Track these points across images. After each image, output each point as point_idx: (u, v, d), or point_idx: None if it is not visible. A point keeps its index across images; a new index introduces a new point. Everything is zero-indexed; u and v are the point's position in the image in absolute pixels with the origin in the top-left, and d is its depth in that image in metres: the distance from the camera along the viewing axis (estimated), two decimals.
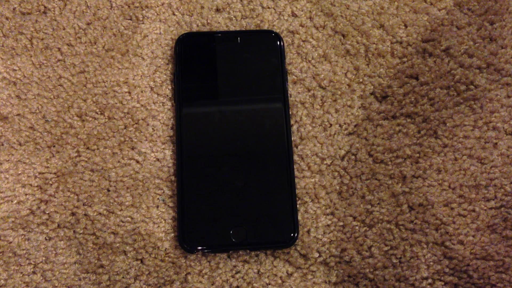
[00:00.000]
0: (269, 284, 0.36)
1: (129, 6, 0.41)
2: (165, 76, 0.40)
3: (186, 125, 0.38)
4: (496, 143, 0.39)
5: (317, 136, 0.39)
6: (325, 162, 0.39)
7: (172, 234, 0.37)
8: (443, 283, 0.36)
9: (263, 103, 0.39)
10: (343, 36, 0.41)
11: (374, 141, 0.39)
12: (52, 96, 0.39)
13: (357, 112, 0.40)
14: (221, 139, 0.38)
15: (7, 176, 0.37)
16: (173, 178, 0.38)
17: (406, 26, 0.41)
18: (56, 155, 0.38)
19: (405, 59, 0.41)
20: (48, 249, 0.36)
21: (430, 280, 0.36)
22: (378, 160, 0.39)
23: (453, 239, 0.37)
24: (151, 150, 0.38)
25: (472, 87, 0.40)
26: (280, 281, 0.36)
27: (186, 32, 0.41)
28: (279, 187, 0.37)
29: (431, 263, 0.37)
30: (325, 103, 0.40)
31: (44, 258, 0.36)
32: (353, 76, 0.40)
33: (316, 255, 0.37)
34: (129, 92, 0.39)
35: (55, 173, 0.38)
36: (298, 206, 0.37)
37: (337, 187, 0.38)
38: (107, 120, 0.39)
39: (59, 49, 0.40)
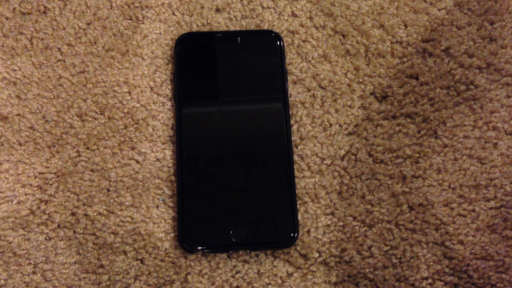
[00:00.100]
0: (269, 284, 0.36)
1: (129, 6, 0.41)
2: (165, 76, 0.40)
3: (186, 125, 0.38)
4: (496, 143, 0.39)
5: (317, 136, 0.39)
6: (325, 162, 0.39)
7: (172, 234, 0.37)
8: (443, 283, 0.36)
9: (263, 103, 0.39)
10: (343, 36, 0.41)
11: (374, 141, 0.39)
12: (52, 96, 0.39)
13: (357, 112, 0.40)
14: (221, 139, 0.38)
15: (7, 176, 0.37)
16: (173, 178, 0.38)
17: (406, 26, 0.41)
18: (56, 155, 0.38)
19: (405, 59, 0.41)
20: (48, 249, 0.36)
21: (430, 280, 0.36)
22: (378, 160, 0.39)
23: (453, 239, 0.37)
24: (151, 150, 0.38)
25: (472, 87, 0.40)
26: (280, 281, 0.36)
27: (186, 32, 0.41)
28: (279, 187, 0.37)
29: (431, 263, 0.37)
30: (325, 103, 0.40)
31: (44, 258, 0.36)
32: (353, 76, 0.40)
33: (316, 255, 0.37)
34: (129, 92, 0.39)
35: (55, 173, 0.38)
36: (298, 206, 0.37)
37: (337, 187, 0.38)
38: (107, 120, 0.39)
39: (59, 49, 0.40)
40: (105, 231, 0.37)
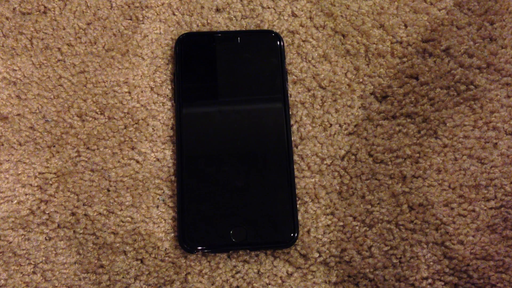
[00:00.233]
0: (269, 284, 0.36)
1: (129, 6, 0.41)
2: (165, 76, 0.40)
3: (186, 125, 0.38)
4: (496, 143, 0.39)
5: (317, 136, 0.39)
6: (325, 162, 0.39)
7: (172, 234, 0.37)
8: (443, 283, 0.36)
9: (263, 103, 0.39)
10: (343, 36, 0.41)
11: (374, 141, 0.39)
12: (52, 96, 0.39)
13: (357, 112, 0.40)
14: (221, 139, 0.38)
15: (7, 176, 0.37)
16: (173, 178, 0.38)
17: (406, 26, 0.41)
18: (56, 155, 0.38)
19: (405, 59, 0.41)
20: (48, 249, 0.36)
21: (430, 280, 0.36)
22: (378, 160, 0.39)
23: (453, 239, 0.37)
24: (151, 150, 0.38)
25: (472, 87, 0.40)
26: (280, 281, 0.36)
27: (186, 32, 0.41)
28: (279, 187, 0.37)
29: (431, 263, 0.37)
30: (325, 103, 0.40)
31: (44, 258, 0.36)
32: (353, 76, 0.40)
33: (316, 255, 0.37)
34: (129, 92, 0.39)
35: (55, 173, 0.38)
36: (298, 206, 0.37)
37: (337, 187, 0.38)
38: (107, 120, 0.39)
39: (59, 49, 0.40)
40: (105, 231, 0.37)
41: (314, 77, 0.40)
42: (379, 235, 0.37)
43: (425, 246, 0.37)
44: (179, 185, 0.37)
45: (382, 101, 0.40)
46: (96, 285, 0.36)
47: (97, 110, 0.39)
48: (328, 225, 0.37)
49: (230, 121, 0.38)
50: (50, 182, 0.37)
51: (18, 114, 0.39)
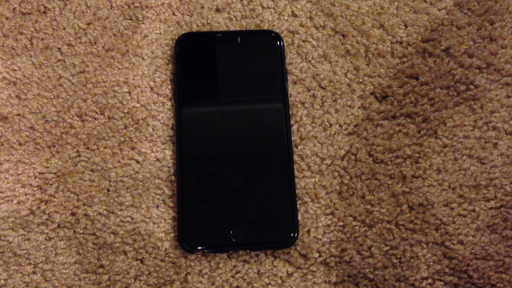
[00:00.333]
0: (269, 284, 0.36)
1: (129, 6, 0.41)
2: (165, 76, 0.40)
3: (186, 125, 0.38)
4: (496, 143, 0.39)
5: (317, 136, 0.39)
6: (325, 162, 0.39)
7: (172, 234, 0.37)
8: (443, 283, 0.36)
9: (263, 103, 0.39)
10: (343, 36, 0.41)
11: (374, 141, 0.39)
12: (52, 96, 0.39)
13: (357, 112, 0.40)
14: (221, 139, 0.38)
15: (7, 176, 0.37)
16: (173, 178, 0.38)
17: (406, 26, 0.41)
18: (56, 155, 0.38)
19: (405, 59, 0.41)
20: (48, 249, 0.36)
21: (430, 280, 0.36)
22: (378, 160, 0.39)
23: (453, 239, 0.37)
24: (151, 150, 0.38)
25: (472, 87, 0.40)
26: (280, 281, 0.36)
27: (186, 32, 0.41)
28: (279, 187, 0.37)
29: (431, 263, 0.37)
30: (325, 103, 0.40)
31: (44, 258, 0.36)
32: (353, 76, 0.40)
33: (316, 255, 0.37)
34: (129, 92, 0.39)
35: (55, 173, 0.38)
36: (298, 206, 0.37)
37: (337, 187, 0.38)
38: (107, 120, 0.39)
39: (59, 49, 0.40)
40: (105, 231, 0.37)
41: (314, 77, 0.40)
42: (379, 235, 0.37)
43: (425, 246, 0.37)
44: (179, 185, 0.37)
45: (382, 101, 0.40)
46: (96, 285, 0.36)
47: (97, 110, 0.39)
48: (328, 225, 0.37)
49: (230, 121, 0.38)
50: (50, 182, 0.37)
51: (18, 114, 0.39)
